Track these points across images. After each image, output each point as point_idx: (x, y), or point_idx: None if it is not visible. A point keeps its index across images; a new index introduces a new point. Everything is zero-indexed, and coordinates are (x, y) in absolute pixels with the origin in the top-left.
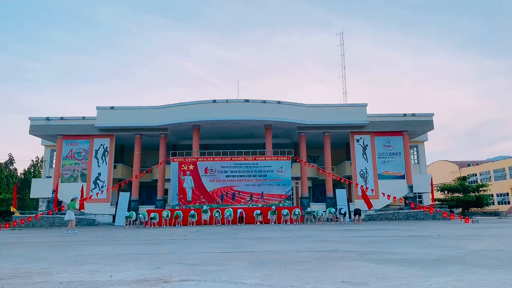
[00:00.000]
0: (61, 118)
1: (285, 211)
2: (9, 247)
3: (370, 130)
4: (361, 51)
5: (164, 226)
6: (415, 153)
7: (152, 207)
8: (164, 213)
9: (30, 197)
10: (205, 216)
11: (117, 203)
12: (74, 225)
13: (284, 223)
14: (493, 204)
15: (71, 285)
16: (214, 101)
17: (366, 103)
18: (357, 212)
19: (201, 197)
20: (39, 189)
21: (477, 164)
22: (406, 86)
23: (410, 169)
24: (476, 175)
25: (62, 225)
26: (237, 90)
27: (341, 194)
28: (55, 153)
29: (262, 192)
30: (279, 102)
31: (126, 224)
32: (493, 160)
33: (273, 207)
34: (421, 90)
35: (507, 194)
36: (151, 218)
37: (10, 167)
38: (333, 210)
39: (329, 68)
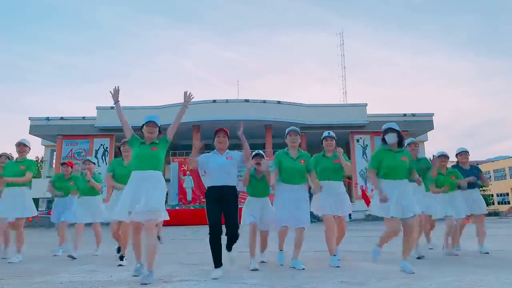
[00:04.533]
0: (61, 118)
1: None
2: (9, 247)
3: (370, 130)
4: (361, 51)
5: None
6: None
7: None
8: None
9: None
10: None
11: None
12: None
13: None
14: (493, 204)
15: (71, 285)
16: (214, 101)
17: (366, 103)
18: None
19: (201, 197)
20: (39, 189)
21: (477, 164)
22: (406, 86)
23: None
24: None
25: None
26: (237, 90)
27: None
28: (55, 153)
29: None
30: (279, 102)
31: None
32: (493, 160)
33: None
34: (421, 90)
35: (507, 194)
36: None
37: None
38: None
39: (329, 68)
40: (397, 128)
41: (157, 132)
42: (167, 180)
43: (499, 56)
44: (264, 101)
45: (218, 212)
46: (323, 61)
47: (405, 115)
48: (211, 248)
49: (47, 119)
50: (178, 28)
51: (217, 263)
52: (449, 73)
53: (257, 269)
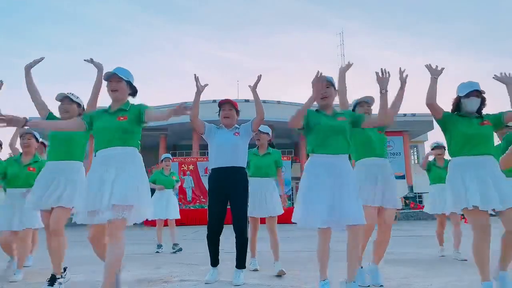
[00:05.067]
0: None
1: None
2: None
3: None
4: (361, 51)
5: None
6: (415, 153)
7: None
8: None
9: None
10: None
11: None
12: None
13: None
14: None
15: (71, 285)
16: (214, 101)
17: None
18: None
19: (201, 197)
20: None
21: None
22: (406, 86)
23: (410, 169)
24: None
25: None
26: (237, 90)
27: None
28: None
29: None
30: (279, 102)
31: None
32: None
33: None
34: (421, 90)
35: None
36: None
37: None
38: None
39: (329, 68)
40: (481, 90)
41: (125, 92)
42: None
43: (500, 55)
44: (264, 101)
45: (221, 207)
46: (323, 61)
47: (405, 115)
48: (208, 246)
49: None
50: (178, 28)
51: (215, 261)
52: (449, 73)
53: (257, 270)
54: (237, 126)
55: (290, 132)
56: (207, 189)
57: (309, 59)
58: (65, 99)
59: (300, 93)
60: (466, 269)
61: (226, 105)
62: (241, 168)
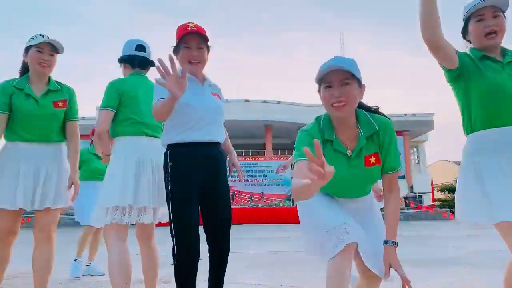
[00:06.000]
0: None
1: None
2: None
3: None
4: (361, 51)
5: None
6: (416, 153)
7: None
8: None
9: None
10: None
11: None
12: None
13: None
14: None
15: (71, 285)
16: None
17: None
18: None
19: None
20: None
21: None
22: (406, 86)
23: (410, 169)
24: None
25: (64, 225)
26: (237, 90)
27: None
28: None
29: (262, 192)
30: (279, 102)
31: None
32: None
33: None
34: (421, 90)
35: None
36: None
37: None
38: None
39: None
40: None
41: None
42: None
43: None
44: (264, 101)
45: (195, 208)
46: (323, 61)
47: (405, 115)
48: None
49: None
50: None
51: None
52: None
53: None
54: (210, 81)
55: (290, 132)
56: (170, 176)
57: (309, 59)
58: (48, 45)
59: (301, 92)
60: (466, 269)
61: (193, 38)
62: (220, 145)
